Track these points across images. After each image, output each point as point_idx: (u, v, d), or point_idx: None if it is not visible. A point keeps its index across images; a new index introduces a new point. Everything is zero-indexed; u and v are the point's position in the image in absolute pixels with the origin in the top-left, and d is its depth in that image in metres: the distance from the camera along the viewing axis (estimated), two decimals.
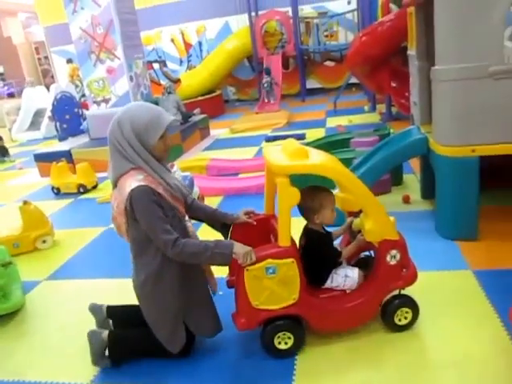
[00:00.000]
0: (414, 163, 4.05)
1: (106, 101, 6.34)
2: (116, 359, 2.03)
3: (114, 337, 2.03)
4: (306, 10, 9.68)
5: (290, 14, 9.20)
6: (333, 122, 6.69)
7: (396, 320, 2.00)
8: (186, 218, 2.03)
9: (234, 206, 2.25)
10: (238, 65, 10.18)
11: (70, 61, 11.08)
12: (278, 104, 8.31)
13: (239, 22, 10.08)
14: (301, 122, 7.26)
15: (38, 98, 10.51)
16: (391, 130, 4.26)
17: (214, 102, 9.18)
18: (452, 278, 2.39)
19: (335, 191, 2.03)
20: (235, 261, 1.79)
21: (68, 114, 7.61)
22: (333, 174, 1.85)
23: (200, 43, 10.65)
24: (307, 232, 2.04)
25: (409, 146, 2.99)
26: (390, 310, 1.98)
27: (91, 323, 2.34)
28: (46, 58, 16.09)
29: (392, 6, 6.18)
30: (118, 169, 1.86)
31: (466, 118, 2.51)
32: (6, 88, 16.55)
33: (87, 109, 7.19)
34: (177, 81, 8.31)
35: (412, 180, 3.85)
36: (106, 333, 2.04)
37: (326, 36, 9.63)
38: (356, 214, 2.03)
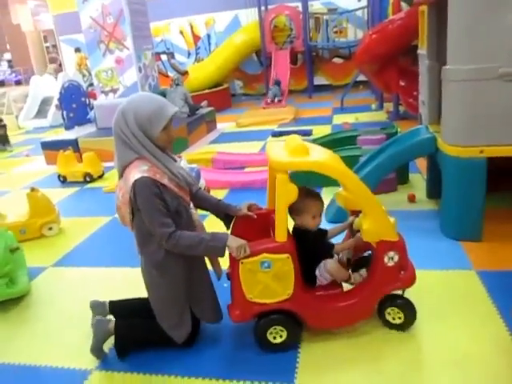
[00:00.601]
0: (421, 162, 4.05)
1: (114, 91, 6.35)
2: (121, 349, 2.05)
3: (119, 327, 2.06)
4: (316, 5, 9.65)
5: (300, 9, 9.16)
6: (339, 119, 6.69)
7: (389, 318, 2.01)
8: (191, 205, 2.06)
9: (238, 199, 2.26)
10: (246, 59, 10.16)
11: (78, 50, 11.08)
12: (285, 100, 8.30)
13: (248, 16, 10.06)
14: (307, 118, 7.25)
15: (46, 86, 10.54)
16: (398, 129, 4.26)
17: (220, 96, 9.18)
18: (455, 278, 2.40)
19: (339, 189, 2.04)
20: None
21: (75, 103, 7.59)
22: (332, 173, 1.84)
23: (209, 36, 10.64)
24: (293, 230, 2.03)
25: (417, 145, 3.00)
26: (381, 308, 2.01)
27: None
28: (54, 46, 16.10)
29: (403, 4, 6.16)
30: (123, 158, 1.88)
31: (475, 118, 2.51)
32: (13, 75, 16.58)
33: (94, 98, 7.20)
34: (184, 73, 8.29)
35: (418, 179, 3.85)
36: (112, 323, 2.06)
37: (335, 32, 9.59)
38: (358, 213, 2.02)
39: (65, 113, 7.47)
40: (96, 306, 2.24)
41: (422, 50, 3.38)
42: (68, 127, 7.34)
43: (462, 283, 2.35)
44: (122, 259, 2.97)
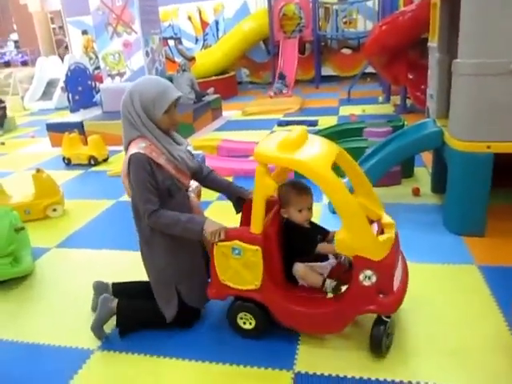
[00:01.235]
0: (426, 156, 4.04)
1: (121, 74, 6.33)
2: (123, 328, 2.10)
3: (122, 306, 2.09)
4: None
5: None
6: (346, 110, 6.65)
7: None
8: (190, 189, 2.13)
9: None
10: (254, 47, 10.08)
11: (85, 32, 11.01)
12: (291, 89, 8.26)
13: (258, 3, 9.96)
14: (313, 108, 7.22)
15: (52, 68, 10.50)
16: (405, 122, 4.24)
17: (227, 83, 9.13)
18: (457, 272, 2.41)
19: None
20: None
21: (81, 86, 7.58)
22: (310, 175, 1.68)
23: (217, 22, 10.54)
24: (284, 222, 2.01)
25: (423, 138, 2.98)
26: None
27: None
28: (61, 28, 16.01)
29: None
30: (127, 135, 1.98)
31: (483, 113, 2.50)
32: (19, 56, 16.52)
33: (100, 81, 7.18)
34: (191, 59, 8.23)
35: (423, 173, 3.85)
36: (115, 302, 2.10)
37: (345, 23, 9.48)
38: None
39: (70, 95, 7.47)
40: (99, 287, 2.27)
41: (433, 43, 3.35)
42: (73, 110, 7.33)
43: (464, 277, 2.36)
44: (125, 242, 2.98)
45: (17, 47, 17.54)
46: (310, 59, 9.70)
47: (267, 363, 1.85)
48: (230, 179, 4.02)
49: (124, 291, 2.26)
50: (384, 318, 1.80)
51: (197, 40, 10.79)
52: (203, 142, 5.09)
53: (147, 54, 6.21)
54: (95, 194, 4.09)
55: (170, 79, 6.23)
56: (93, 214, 3.63)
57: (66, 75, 7.46)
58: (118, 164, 4.90)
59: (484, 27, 2.38)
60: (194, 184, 3.53)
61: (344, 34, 9.54)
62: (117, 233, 3.24)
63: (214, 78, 8.90)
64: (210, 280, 2.03)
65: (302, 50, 9.64)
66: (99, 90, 6.90)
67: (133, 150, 1.90)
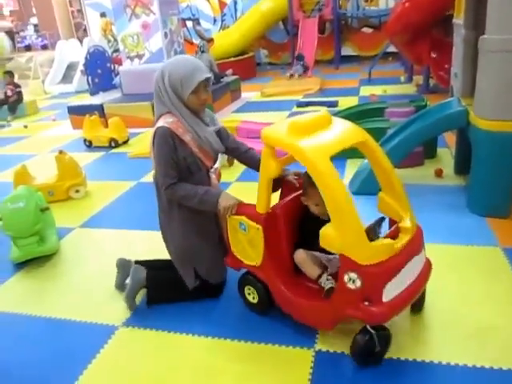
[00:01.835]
0: (449, 137, 3.96)
1: (140, 56, 6.32)
2: (151, 298, 2.19)
3: (150, 277, 2.18)
4: None
5: None
6: (366, 91, 6.53)
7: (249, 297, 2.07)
8: (212, 170, 2.16)
9: None
10: (272, 27, 9.93)
11: (103, 15, 10.99)
12: (311, 70, 8.14)
13: None
14: (333, 89, 7.12)
15: (71, 52, 10.56)
16: (428, 103, 4.14)
17: (245, 64, 9.05)
18: (480, 253, 2.38)
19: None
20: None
21: (100, 69, 7.61)
22: (305, 163, 1.61)
23: (235, 2, 10.39)
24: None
25: (447, 118, 2.92)
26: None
27: None
28: (79, 11, 16.02)
29: None
30: (157, 110, 2.04)
31: (511, 91, 2.42)
32: (39, 40, 16.64)
33: (119, 64, 7.19)
34: (210, 40, 8.16)
35: (446, 154, 3.77)
36: (145, 272, 2.18)
37: (366, 1, 9.24)
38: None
39: (90, 78, 7.50)
40: (122, 264, 2.32)
41: (458, 20, 3.26)
42: (93, 93, 7.38)
43: (487, 259, 2.32)
44: (146, 222, 3.02)
45: (36, 31, 17.65)
46: (329, 39, 9.52)
47: (288, 341, 1.87)
48: None
49: (146, 268, 2.30)
50: (368, 328, 1.66)
51: (215, 21, 10.68)
52: (223, 123, 5.08)
53: (166, 35, 6.18)
54: (116, 176, 4.14)
55: None
56: (114, 195, 3.68)
57: (86, 58, 7.49)
58: (138, 146, 4.95)
59: None
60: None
61: (365, 13, 9.31)
62: (138, 213, 3.29)
63: (232, 59, 8.83)
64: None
65: (321, 30, 9.46)
66: (118, 73, 6.92)
67: (159, 123, 1.97)
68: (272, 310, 2.02)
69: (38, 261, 2.72)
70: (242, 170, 3.82)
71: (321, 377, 1.69)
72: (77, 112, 6.07)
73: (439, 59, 5.54)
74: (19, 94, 7.80)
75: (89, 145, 5.20)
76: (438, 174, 3.36)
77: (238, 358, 1.83)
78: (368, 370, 1.69)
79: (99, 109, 5.85)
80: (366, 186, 3.01)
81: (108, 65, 7.79)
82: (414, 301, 1.80)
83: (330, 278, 1.79)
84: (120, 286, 2.32)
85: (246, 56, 9.31)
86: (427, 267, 1.85)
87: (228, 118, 5.78)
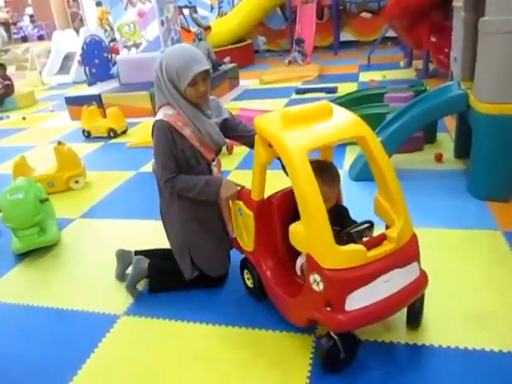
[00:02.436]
0: (449, 121, 3.94)
1: (137, 45, 6.26)
2: (153, 287, 2.22)
3: (152, 266, 2.19)
4: None
5: None
6: (366, 76, 6.49)
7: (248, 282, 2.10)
8: (214, 163, 2.09)
9: None
10: (270, 14, 9.83)
11: (99, 4, 10.90)
12: (310, 56, 8.07)
13: None
14: (332, 75, 7.06)
15: (68, 42, 10.48)
16: (427, 87, 4.11)
17: (243, 52, 8.98)
18: (481, 237, 2.37)
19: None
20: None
21: (97, 59, 7.56)
22: (282, 155, 1.56)
23: None
24: None
25: (447, 102, 2.89)
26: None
27: None
28: (75, 0, 15.86)
29: None
30: (158, 101, 2.00)
31: (511, 73, 2.40)
32: (35, 30, 16.50)
33: (116, 53, 7.14)
34: (207, 28, 8.09)
35: (446, 138, 3.75)
36: (147, 262, 2.19)
37: None
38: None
39: (87, 68, 7.46)
40: (122, 255, 2.33)
41: (458, 2, 3.21)
42: (90, 83, 7.34)
43: (487, 243, 2.32)
44: (146, 212, 3.03)
45: (32, 21, 17.49)
46: (328, 24, 9.44)
47: (289, 327, 1.87)
48: (248, 149, 4.04)
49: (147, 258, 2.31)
50: (332, 334, 1.59)
51: (212, 8, 10.58)
52: (230, 112, 5.05)
53: (162, 23, 6.12)
54: (116, 166, 4.13)
55: None
56: (114, 185, 3.67)
57: (82, 48, 7.44)
58: (137, 135, 4.93)
59: None
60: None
61: None
62: (138, 203, 3.29)
63: (230, 46, 8.76)
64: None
65: (319, 15, 9.37)
66: (116, 63, 6.86)
67: (159, 115, 1.94)
68: None
69: (39, 252, 2.73)
70: (241, 158, 3.81)
71: None
72: (75, 103, 6.03)
73: (439, 43, 5.48)
74: (7, 87, 7.67)
75: (87, 135, 5.18)
76: (438, 158, 3.34)
77: (239, 345, 1.84)
78: (368, 354, 1.69)
79: (97, 99, 5.81)
80: (365, 173, 2.98)
81: (105, 54, 7.73)
82: (410, 315, 1.75)
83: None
84: (120, 276, 2.33)
85: (243, 43, 9.23)
86: (418, 282, 1.65)
87: (226, 105, 5.73)
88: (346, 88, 5.65)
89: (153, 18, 6.04)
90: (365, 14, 9.64)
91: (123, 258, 2.32)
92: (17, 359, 1.91)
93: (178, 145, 1.93)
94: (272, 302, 1.92)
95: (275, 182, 1.95)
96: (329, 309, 1.53)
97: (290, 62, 7.74)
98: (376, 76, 6.27)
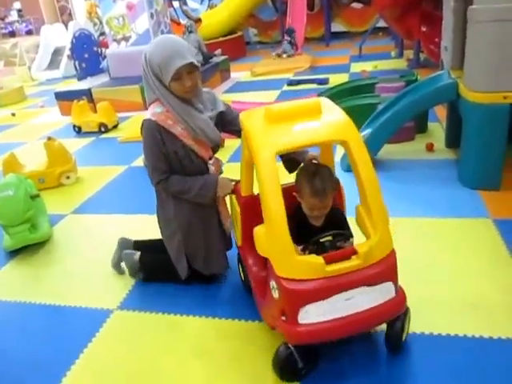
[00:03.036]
0: (440, 111, 3.95)
1: (126, 39, 6.20)
2: (147, 278, 2.23)
3: (143, 258, 2.20)
4: None
5: None
6: (357, 67, 6.48)
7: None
8: (211, 162, 2.00)
9: None
10: (261, 5, 9.77)
11: None
12: (301, 47, 8.04)
13: None
14: (324, 66, 7.05)
15: (57, 36, 10.37)
16: (418, 77, 4.11)
17: (234, 44, 8.93)
18: (471, 225, 2.39)
19: None
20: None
21: (87, 53, 7.49)
22: (255, 159, 1.49)
23: None
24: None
25: (437, 91, 2.90)
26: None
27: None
28: None
29: None
30: (147, 97, 1.93)
31: (501, 62, 2.40)
32: (24, 25, 16.28)
33: (106, 47, 7.07)
34: (197, 20, 8.03)
35: (437, 128, 3.76)
36: (137, 255, 2.20)
37: None
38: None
39: (77, 63, 7.39)
40: (123, 242, 2.32)
41: None
42: (80, 78, 7.27)
43: (478, 231, 2.34)
44: (137, 206, 3.02)
45: (20, 16, 17.24)
46: (319, 15, 9.39)
47: None
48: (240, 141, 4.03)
49: (145, 247, 2.30)
50: (289, 344, 1.53)
51: (202, 0, 10.48)
52: (226, 103, 5.03)
53: (152, 16, 6.06)
54: (107, 161, 4.11)
55: None
56: (105, 180, 3.65)
57: (72, 43, 7.36)
58: (128, 130, 4.90)
59: None
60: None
61: None
62: (129, 197, 3.28)
63: (221, 38, 8.70)
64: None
65: (310, 6, 9.32)
66: (105, 57, 6.80)
67: (148, 114, 1.86)
68: None
69: (31, 248, 2.72)
70: (232, 152, 3.80)
71: None
72: (65, 98, 5.98)
73: (429, 33, 5.48)
74: None
75: (78, 131, 5.14)
76: (429, 148, 3.35)
77: (235, 336, 1.84)
78: (359, 341, 1.71)
79: (87, 94, 5.77)
80: None
81: (95, 49, 7.66)
82: (388, 337, 1.60)
83: None
84: (116, 265, 2.31)
85: (234, 35, 9.18)
86: (392, 304, 1.51)
87: None
88: (337, 79, 5.64)
89: (142, 11, 5.98)
90: (356, 5, 9.60)
91: (124, 245, 2.31)
92: (10, 355, 1.90)
93: (168, 145, 1.84)
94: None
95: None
96: (283, 318, 1.48)
97: (278, 55, 7.67)
98: (367, 66, 6.27)
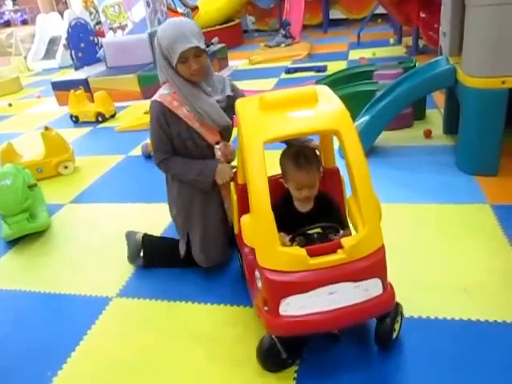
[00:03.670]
0: (438, 98, 3.93)
1: (123, 27, 6.14)
2: (148, 260, 2.22)
3: (146, 239, 2.21)
4: None
5: None
6: (355, 54, 6.43)
7: None
8: (217, 146, 2.00)
9: None
10: None
11: None
12: (299, 35, 7.98)
13: None
14: (322, 53, 7.00)
15: (52, 26, 10.26)
16: (416, 64, 4.09)
17: (232, 32, 8.84)
18: (469, 211, 2.40)
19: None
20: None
21: (83, 42, 7.40)
22: (243, 146, 1.47)
23: None
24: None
25: (435, 77, 2.88)
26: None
27: (115, 243, 2.46)
28: None
29: None
30: (161, 78, 1.98)
31: (499, 47, 2.39)
32: (19, 14, 16.12)
33: (103, 36, 7.01)
34: (194, 8, 7.95)
35: (435, 115, 3.75)
36: (140, 235, 2.20)
37: None
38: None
39: (73, 52, 7.31)
40: (128, 235, 2.29)
41: None
42: (77, 67, 7.20)
43: (476, 217, 2.34)
44: (136, 195, 3.02)
45: (15, 5, 17.07)
46: (317, 2, 9.28)
47: None
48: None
49: (150, 244, 2.26)
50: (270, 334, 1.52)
51: None
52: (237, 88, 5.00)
53: (148, 4, 5.99)
54: (105, 150, 4.10)
55: None
56: (103, 169, 3.65)
57: (68, 32, 7.27)
58: (125, 119, 4.88)
59: None
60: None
61: None
62: (128, 186, 3.27)
63: (218, 26, 8.61)
64: None
65: None
66: (102, 46, 6.74)
67: (156, 95, 1.92)
68: None
69: (30, 237, 2.72)
70: (232, 138, 3.78)
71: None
72: (61, 88, 5.94)
73: (428, 19, 5.44)
74: None
75: (75, 120, 5.11)
76: (427, 134, 3.35)
77: (236, 323, 1.84)
78: (355, 331, 1.72)
79: (84, 83, 5.72)
80: None
81: (91, 38, 7.57)
82: (378, 333, 1.57)
83: None
84: (133, 257, 2.27)
85: (232, 23, 9.08)
86: (378, 301, 1.47)
87: None
88: (335, 66, 5.61)
89: None
90: None
91: (129, 238, 2.28)
92: (9, 344, 1.92)
93: (172, 127, 1.90)
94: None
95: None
96: (266, 308, 1.47)
97: (269, 47, 7.55)
98: (366, 54, 6.22)
